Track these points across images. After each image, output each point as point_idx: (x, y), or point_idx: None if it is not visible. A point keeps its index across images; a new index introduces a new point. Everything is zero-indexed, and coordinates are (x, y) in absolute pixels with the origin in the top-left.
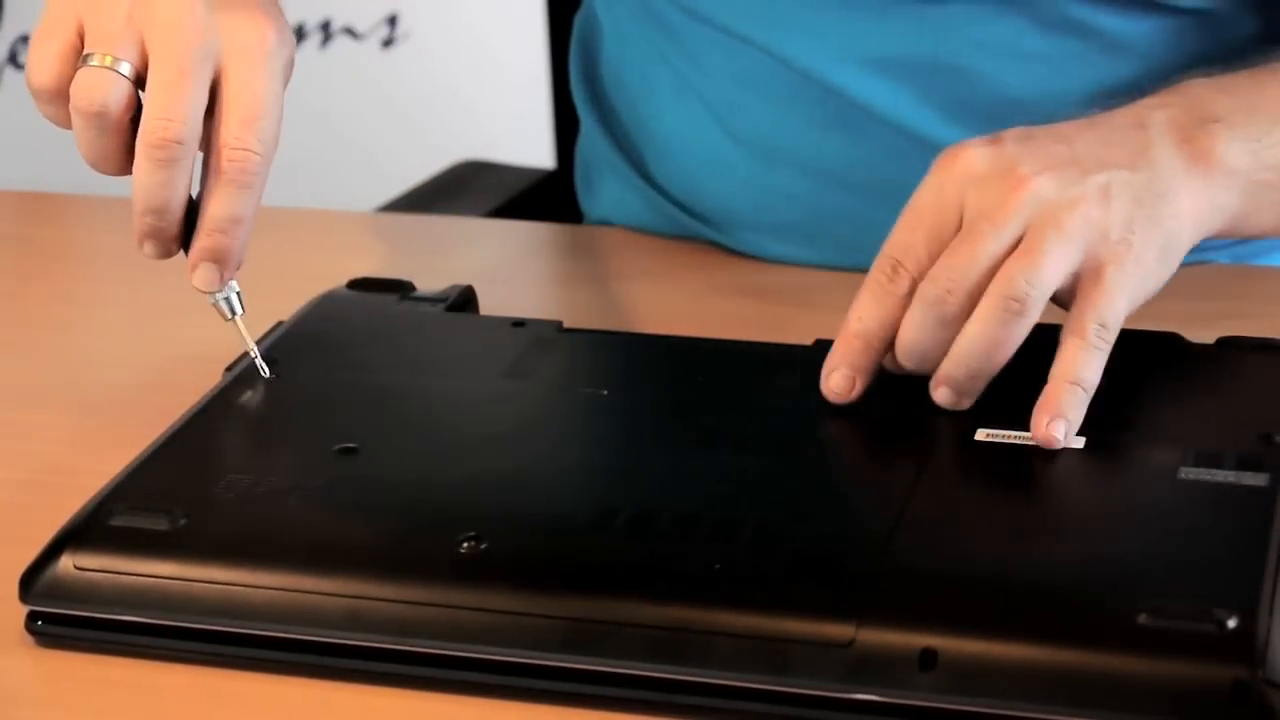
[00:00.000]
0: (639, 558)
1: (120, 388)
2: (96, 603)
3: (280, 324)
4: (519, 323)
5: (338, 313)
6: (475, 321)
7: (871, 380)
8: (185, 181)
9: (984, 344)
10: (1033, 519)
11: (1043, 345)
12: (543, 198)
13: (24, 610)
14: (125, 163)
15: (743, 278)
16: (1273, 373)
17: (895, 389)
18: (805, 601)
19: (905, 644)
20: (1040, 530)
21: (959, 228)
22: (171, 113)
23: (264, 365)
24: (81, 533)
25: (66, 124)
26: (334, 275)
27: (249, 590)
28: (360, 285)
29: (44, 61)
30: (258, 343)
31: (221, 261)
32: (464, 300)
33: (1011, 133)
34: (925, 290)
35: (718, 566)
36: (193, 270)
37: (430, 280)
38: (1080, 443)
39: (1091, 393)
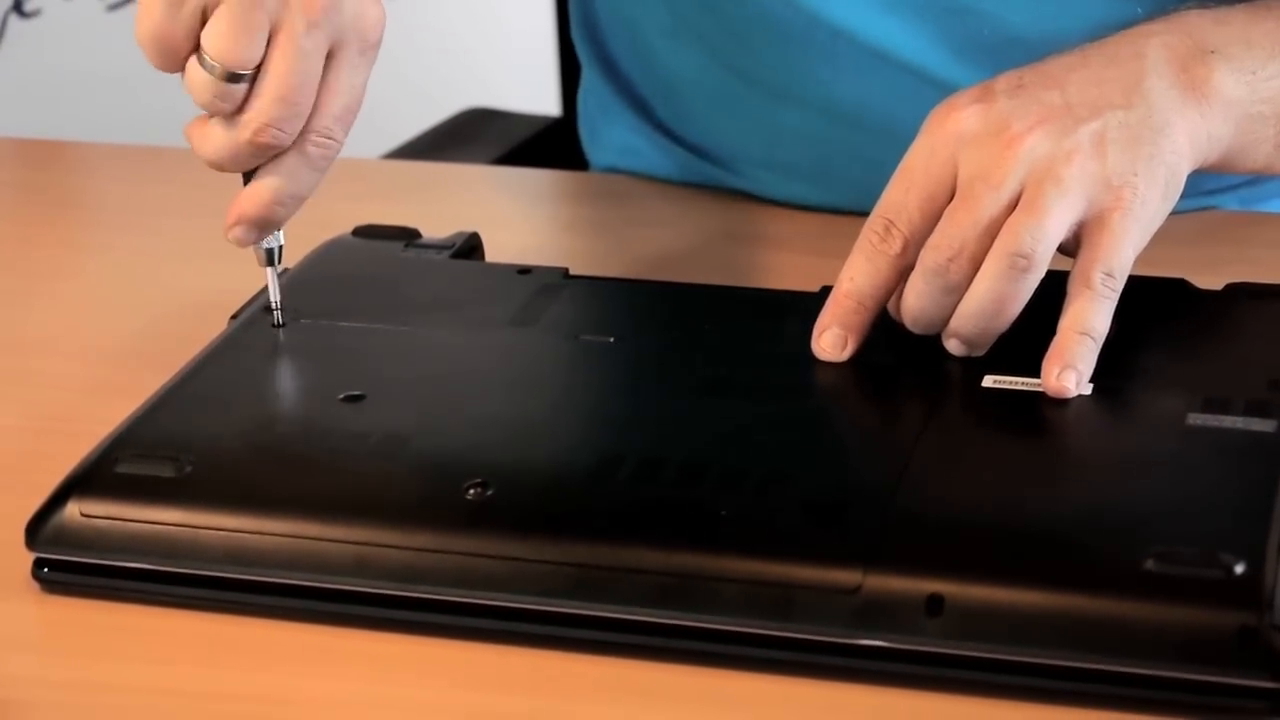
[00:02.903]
0: (645, 504)
1: (125, 335)
2: (102, 549)
3: (285, 271)
4: (525, 270)
5: (343, 260)
6: (481, 269)
7: (864, 339)
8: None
9: (992, 302)
10: (1040, 465)
11: (1051, 292)
12: (548, 145)
13: (30, 557)
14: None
15: (750, 224)
16: None
17: (902, 336)
18: (812, 547)
19: (912, 590)
20: (1048, 476)
21: (953, 189)
22: (285, 121)
23: (280, 316)
24: (87, 480)
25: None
26: (339, 222)
27: (255, 537)
28: (365, 232)
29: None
30: (262, 291)
31: (266, 230)
32: (469, 247)
33: (1001, 82)
34: (927, 259)
35: (724, 513)
36: (233, 226)
37: (435, 227)
38: (1088, 389)
39: (1101, 341)
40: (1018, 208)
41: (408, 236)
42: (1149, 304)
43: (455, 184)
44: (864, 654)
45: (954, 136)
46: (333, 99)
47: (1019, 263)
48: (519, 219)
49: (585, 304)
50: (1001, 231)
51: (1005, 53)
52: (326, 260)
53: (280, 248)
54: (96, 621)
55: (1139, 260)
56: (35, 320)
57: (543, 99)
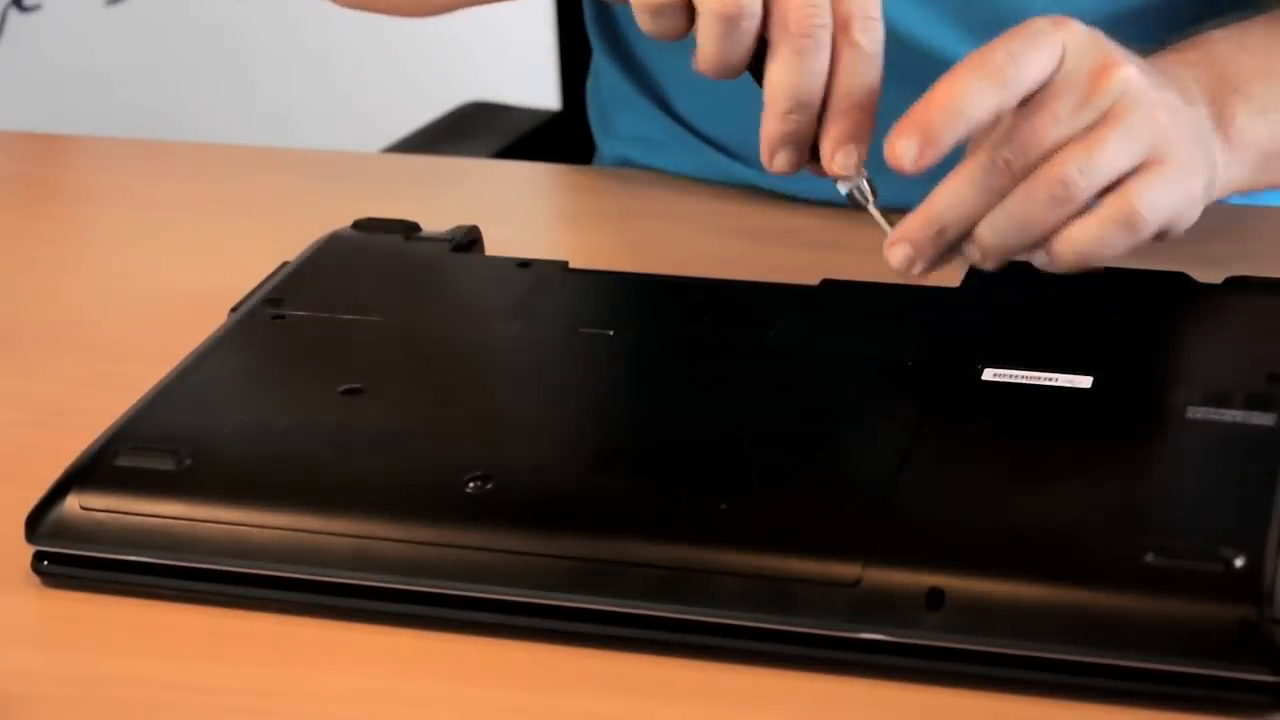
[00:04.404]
0: (645, 498)
1: (124, 328)
2: (102, 543)
3: (286, 264)
4: (524, 263)
5: (343, 253)
6: (480, 262)
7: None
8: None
9: (1021, 220)
10: (1040, 458)
11: (1067, 287)
12: (548, 138)
13: (30, 550)
14: (747, 62)
15: (750, 218)
16: None
17: (903, 329)
18: (811, 541)
19: (912, 583)
20: (1047, 469)
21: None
22: None
23: (887, 227)
24: (87, 473)
25: (673, 35)
26: (339, 215)
27: (255, 530)
28: (366, 225)
29: None
30: (262, 284)
31: (862, 140)
32: (469, 241)
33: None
34: (984, 154)
35: (724, 506)
36: (832, 157)
37: (435, 221)
38: (1088, 382)
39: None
40: (1079, 135)
41: (407, 230)
42: (1149, 298)
43: (455, 177)
44: (864, 647)
45: (1067, 30)
46: None
47: (1058, 190)
48: (519, 212)
49: (585, 297)
50: (1055, 156)
51: None
52: (326, 253)
53: (869, 180)
54: (96, 615)
55: (1140, 253)
56: (34, 314)
57: (542, 93)
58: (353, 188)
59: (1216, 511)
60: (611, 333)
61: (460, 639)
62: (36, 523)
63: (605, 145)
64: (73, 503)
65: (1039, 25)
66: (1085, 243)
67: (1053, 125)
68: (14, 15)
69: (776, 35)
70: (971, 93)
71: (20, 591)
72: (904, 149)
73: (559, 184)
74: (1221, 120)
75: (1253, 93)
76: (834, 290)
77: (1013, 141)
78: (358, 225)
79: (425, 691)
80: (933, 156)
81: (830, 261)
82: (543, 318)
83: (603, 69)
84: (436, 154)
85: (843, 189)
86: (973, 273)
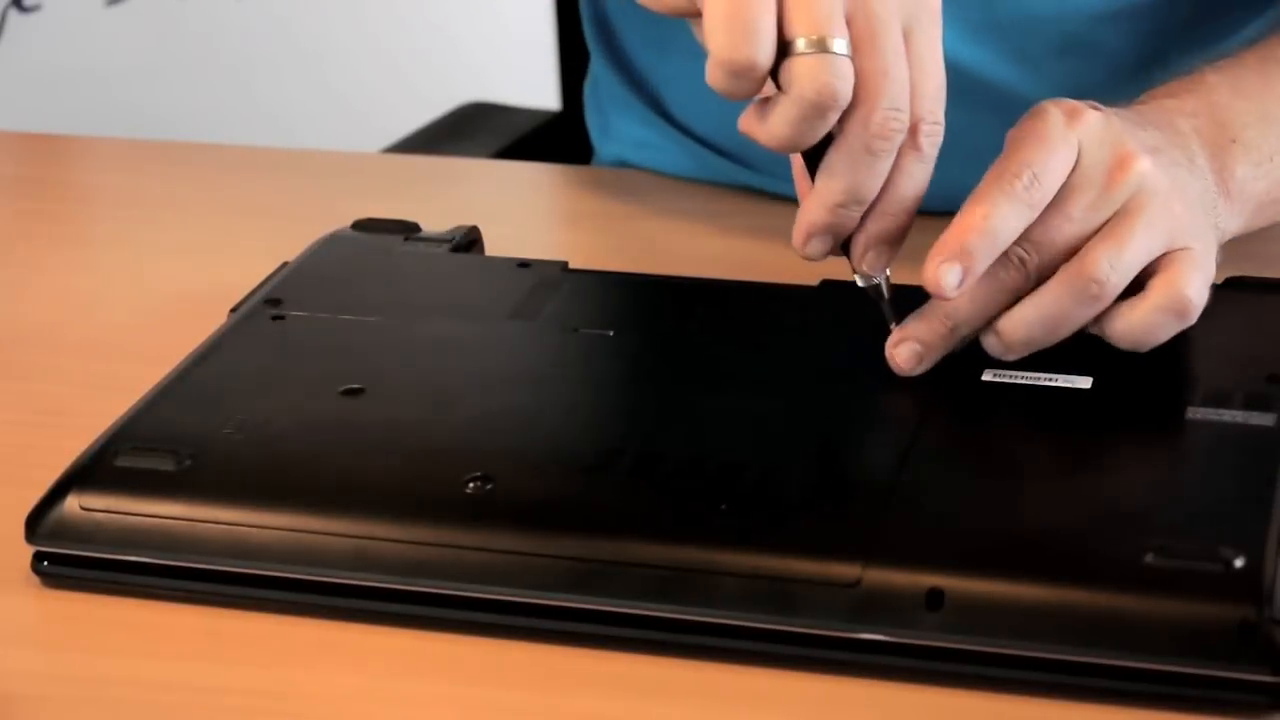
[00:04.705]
0: (645, 498)
1: (123, 328)
2: (102, 543)
3: (285, 264)
4: (524, 263)
5: (343, 253)
6: (480, 262)
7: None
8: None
9: (1051, 318)
10: (1040, 459)
11: None
12: (548, 139)
13: (30, 550)
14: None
15: (751, 218)
16: None
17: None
18: (811, 541)
19: (912, 584)
20: (1047, 470)
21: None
22: (902, 101)
23: (895, 326)
24: (87, 473)
25: (740, 98)
26: (339, 215)
27: (255, 530)
28: (365, 226)
29: (755, 35)
30: (262, 285)
31: (897, 242)
32: (469, 241)
33: (1091, 105)
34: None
35: (724, 506)
36: (863, 256)
37: (435, 221)
38: (1087, 382)
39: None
40: (1104, 231)
41: (407, 230)
42: None
43: (455, 178)
44: (863, 648)
45: (1082, 125)
46: (927, 77)
47: (1092, 288)
48: (519, 213)
49: (584, 297)
50: (1083, 253)
51: (1020, 31)
52: (326, 254)
53: (887, 277)
54: (96, 615)
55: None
56: (34, 314)
57: (542, 93)
58: (353, 188)
59: (1216, 511)
60: (611, 333)
61: (460, 639)
62: (36, 523)
63: (603, 148)
64: (73, 503)
65: (1053, 123)
66: (1140, 330)
67: (1067, 225)
68: (14, 15)
69: (854, 131)
70: (1004, 216)
71: (20, 591)
72: (948, 274)
73: (559, 184)
74: (1222, 175)
75: (1249, 141)
76: (833, 290)
77: (1029, 239)
78: (358, 225)
79: (425, 691)
80: (973, 281)
81: (830, 262)
82: (542, 318)
83: (600, 73)
84: (436, 154)
85: (861, 281)
86: None
